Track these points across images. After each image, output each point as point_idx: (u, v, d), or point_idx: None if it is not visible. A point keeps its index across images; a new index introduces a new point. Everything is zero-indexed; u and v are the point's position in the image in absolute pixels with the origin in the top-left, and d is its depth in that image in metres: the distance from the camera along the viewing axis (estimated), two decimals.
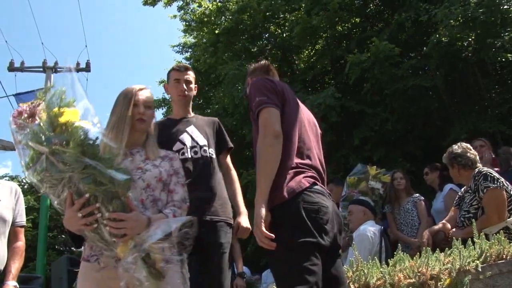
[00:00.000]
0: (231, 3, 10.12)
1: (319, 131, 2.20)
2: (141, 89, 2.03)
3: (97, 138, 1.62)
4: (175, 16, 11.12)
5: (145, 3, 10.81)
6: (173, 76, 2.73)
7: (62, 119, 1.58)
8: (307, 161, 1.94)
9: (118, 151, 1.73)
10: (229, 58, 9.63)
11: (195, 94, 2.80)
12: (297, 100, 2.11)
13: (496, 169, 4.10)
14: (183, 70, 2.75)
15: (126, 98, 1.98)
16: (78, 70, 11.02)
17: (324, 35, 8.96)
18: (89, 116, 1.67)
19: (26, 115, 1.61)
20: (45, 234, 9.15)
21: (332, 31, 8.69)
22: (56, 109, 1.59)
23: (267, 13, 9.54)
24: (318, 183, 1.92)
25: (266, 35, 10.45)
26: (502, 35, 6.43)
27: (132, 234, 1.63)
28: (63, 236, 12.55)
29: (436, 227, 3.37)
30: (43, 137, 1.54)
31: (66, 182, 1.57)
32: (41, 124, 1.58)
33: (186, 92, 2.70)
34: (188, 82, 2.72)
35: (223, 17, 10.30)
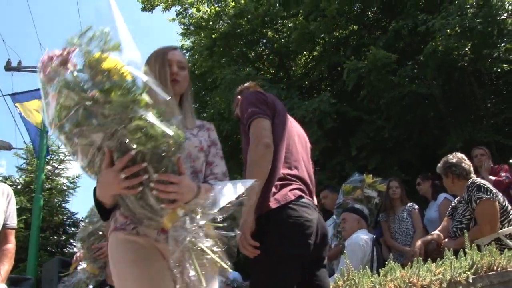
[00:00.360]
0: (229, 8, 10.14)
1: (308, 144, 2.24)
2: (172, 49, 1.81)
3: (145, 87, 1.36)
4: (173, 20, 11.14)
5: (144, 9, 10.84)
6: None
7: (105, 65, 1.33)
8: (294, 172, 1.96)
9: (172, 102, 1.44)
10: (226, 63, 9.63)
11: None
12: (287, 113, 2.15)
13: (494, 178, 4.12)
14: None
15: (158, 57, 1.75)
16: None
17: (321, 41, 8.97)
18: (135, 65, 1.40)
19: (57, 62, 1.37)
20: (37, 235, 9.07)
21: (330, 37, 8.70)
22: (98, 54, 1.34)
23: (265, 18, 9.56)
24: (304, 195, 1.93)
25: (264, 41, 10.48)
26: (499, 45, 6.49)
27: (183, 200, 1.42)
28: (55, 237, 12.45)
29: (429, 237, 3.37)
30: (78, 87, 1.31)
31: (107, 138, 1.33)
32: (77, 72, 1.34)
33: None
34: None
35: (221, 21, 10.32)
